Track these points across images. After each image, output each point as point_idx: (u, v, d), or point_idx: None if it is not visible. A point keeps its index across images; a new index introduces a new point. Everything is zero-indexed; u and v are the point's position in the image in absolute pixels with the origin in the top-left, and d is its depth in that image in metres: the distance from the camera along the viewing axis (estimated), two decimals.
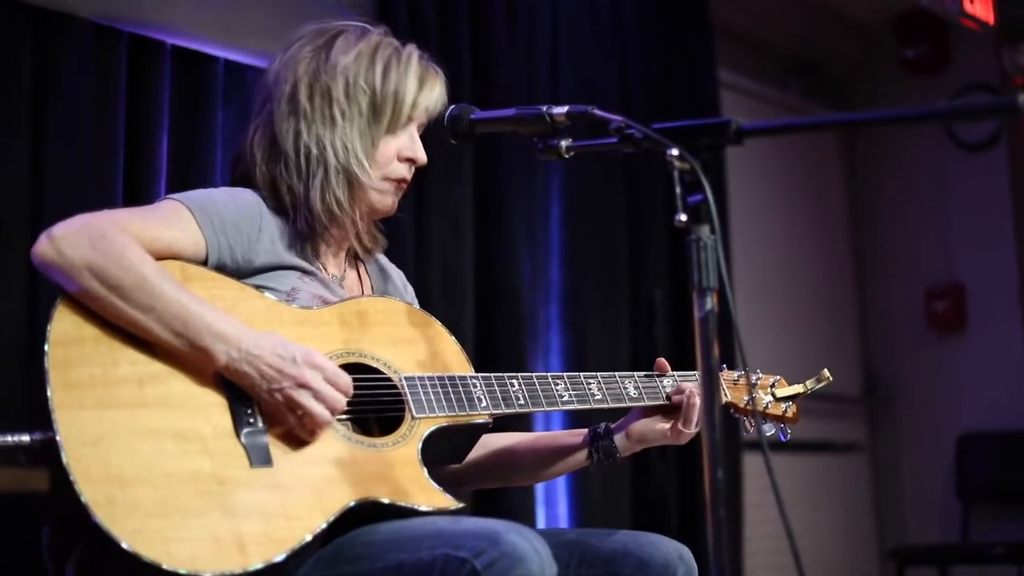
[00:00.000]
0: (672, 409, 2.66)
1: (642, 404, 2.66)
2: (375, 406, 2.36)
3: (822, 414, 7.07)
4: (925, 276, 7.68)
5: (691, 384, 2.65)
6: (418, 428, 2.34)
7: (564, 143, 2.26)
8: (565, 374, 2.58)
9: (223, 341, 2.15)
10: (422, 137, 2.60)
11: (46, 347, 2.08)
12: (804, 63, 7.78)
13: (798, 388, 2.86)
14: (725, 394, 2.77)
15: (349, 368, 2.30)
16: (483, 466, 2.71)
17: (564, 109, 2.26)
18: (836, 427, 7.52)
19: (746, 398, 2.78)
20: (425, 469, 2.30)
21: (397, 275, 2.80)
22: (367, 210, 2.54)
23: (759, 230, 7.07)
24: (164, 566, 1.95)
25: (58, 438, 2.00)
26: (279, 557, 2.05)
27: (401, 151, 2.54)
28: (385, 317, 2.46)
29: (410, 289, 2.82)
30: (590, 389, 2.59)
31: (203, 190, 2.44)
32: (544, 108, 2.28)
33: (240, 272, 2.36)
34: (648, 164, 5.50)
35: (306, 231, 2.48)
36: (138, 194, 3.90)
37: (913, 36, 7.60)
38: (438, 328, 2.52)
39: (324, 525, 2.13)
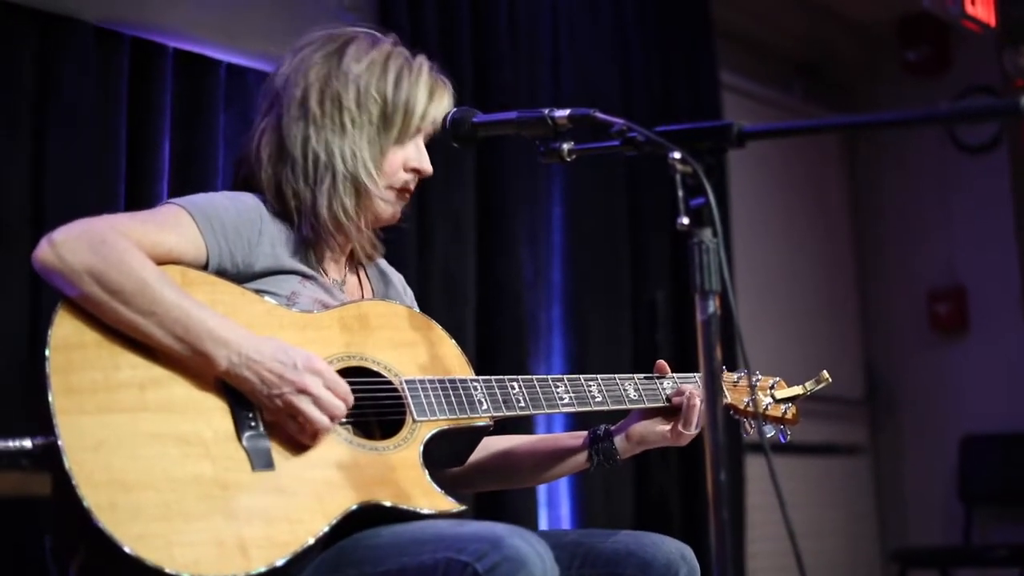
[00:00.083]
0: (672, 411, 2.66)
1: (642, 406, 2.66)
2: (376, 409, 2.36)
3: (824, 416, 7.07)
4: (927, 278, 7.69)
5: (691, 386, 2.65)
6: (419, 431, 2.34)
7: (566, 146, 2.25)
8: (565, 376, 2.58)
9: (224, 346, 2.15)
10: (426, 143, 2.60)
11: (47, 352, 2.08)
12: (806, 65, 7.78)
13: (797, 390, 2.86)
14: (725, 396, 2.77)
15: (350, 372, 2.30)
16: (484, 468, 2.72)
17: (566, 112, 2.26)
18: (838, 429, 7.53)
19: (746, 399, 2.78)
20: (427, 472, 2.30)
21: (397, 278, 2.80)
22: (372, 218, 2.54)
23: (760, 232, 7.07)
24: (167, 570, 1.95)
25: (60, 443, 2.00)
26: (281, 561, 2.05)
27: (407, 161, 2.54)
28: (386, 321, 2.46)
29: (410, 292, 2.82)
30: (590, 391, 2.59)
31: (204, 194, 2.44)
32: (546, 111, 2.28)
33: (240, 276, 2.36)
34: (650, 166, 5.50)
35: (311, 237, 2.48)
36: (139, 197, 3.90)
37: (914, 38, 7.60)
38: (438, 331, 2.52)
39: (326, 528, 2.13)
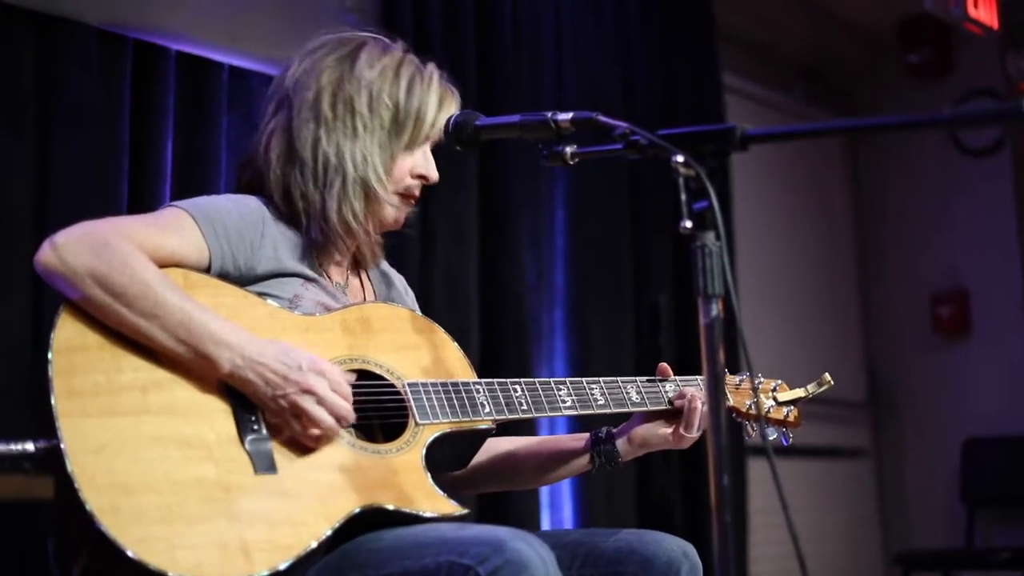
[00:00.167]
0: (674, 414, 2.67)
1: (644, 409, 2.66)
2: (379, 412, 2.36)
3: (827, 419, 7.07)
4: (929, 281, 7.68)
5: (693, 389, 2.66)
6: (422, 434, 2.34)
7: (569, 149, 2.25)
8: (568, 379, 2.58)
9: (227, 348, 2.15)
10: (432, 150, 2.61)
11: (49, 355, 2.08)
12: (808, 68, 7.78)
13: (799, 392, 2.86)
14: (728, 399, 2.77)
15: (353, 375, 2.30)
16: (486, 470, 2.72)
17: (569, 115, 2.26)
18: (841, 432, 7.52)
19: (749, 402, 2.78)
20: (429, 475, 2.30)
21: (399, 280, 2.80)
22: (377, 222, 2.55)
23: (763, 234, 7.07)
24: (169, 573, 1.95)
25: (62, 446, 2.00)
26: (284, 564, 2.05)
27: (415, 168, 2.55)
28: (388, 323, 2.46)
29: (411, 294, 2.82)
30: (592, 394, 2.59)
31: (206, 197, 2.44)
32: (549, 114, 2.28)
33: (243, 279, 2.36)
34: (652, 169, 5.50)
35: (320, 239, 2.48)
36: (142, 200, 3.90)
37: (917, 41, 7.60)
38: (441, 334, 2.52)
39: (329, 532, 2.13)
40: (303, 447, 2.21)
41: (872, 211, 8.06)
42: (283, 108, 2.51)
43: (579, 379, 2.60)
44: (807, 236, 7.58)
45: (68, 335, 2.12)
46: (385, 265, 2.76)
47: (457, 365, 2.49)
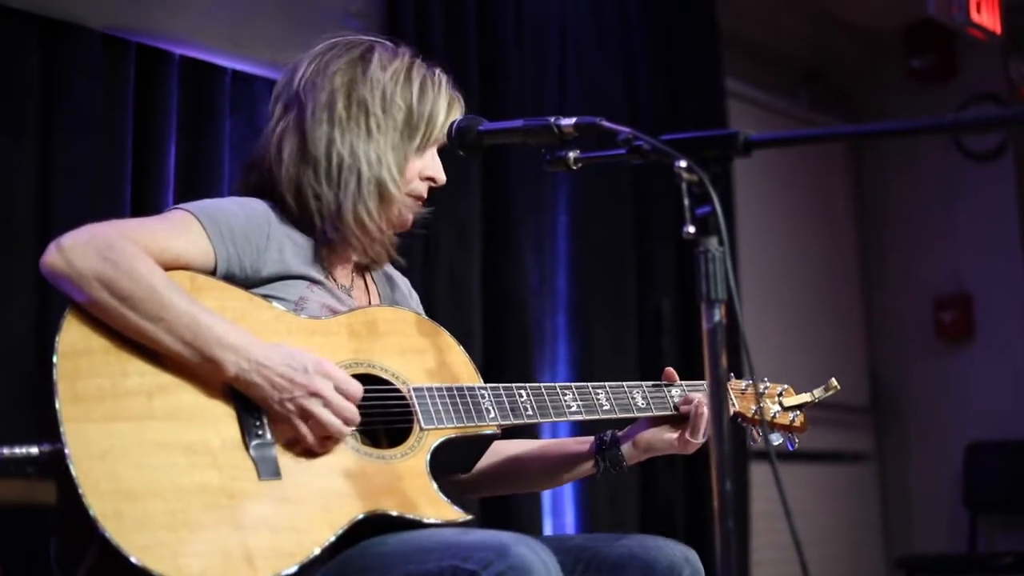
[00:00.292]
0: (680, 419, 2.67)
1: (650, 414, 2.66)
2: (384, 417, 2.36)
3: (829, 423, 7.07)
4: (932, 286, 7.68)
5: (699, 394, 2.65)
6: (426, 439, 2.34)
7: (572, 154, 2.25)
8: (573, 384, 2.58)
9: (233, 352, 2.15)
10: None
11: (54, 358, 2.08)
12: (811, 72, 7.78)
13: (805, 397, 2.85)
14: (733, 404, 2.77)
15: (359, 379, 2.30)
16: (490, 474, 2.72)
17: (572, 120, 2.26)
18: (843, 436, 7.52)
19: (754, 408, 2.78)
20: (433, 481, 2.30)
21: (403, 282, 2.81)
22: (389, 222, 2.55)
23: (766, 239, 7.07)
24: None
25: (66, 451, 2.00)
26: (287, 571, 2.05)
27: (424, 170, 2.56)
28: (394, 327, 2.46)
29: (415, 295, 2.83)
30: (598, 399, 2.59)
31: (212, 199, 2.44)
32: (552, 119, 2.28)
33: (249, 282, 2.36)
34: (655, 174, 5.50)
35: (336, 239, 2.49)
36: (145, 204, 3.91)
37: (920, 46, 7.59)
38: (446, 338, 2.52)
39: (332, 538, 2.12)
40: (308, 452, 2.21)
41: (875, 215, 8.05)
42: (293, 109, 2.52)
43: (585, 384, 2.60)
44: (810, 240, 7.58)
45: (73, 339, 2.12)
46: (389, 267, 2.76)
47: (463, 369, 2.49)
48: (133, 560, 1.94)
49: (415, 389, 2.37)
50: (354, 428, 2.26)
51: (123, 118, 3.94)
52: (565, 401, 2.55)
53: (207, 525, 2.03)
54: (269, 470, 2.15)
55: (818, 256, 7.64)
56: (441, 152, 2.61)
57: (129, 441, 2.05)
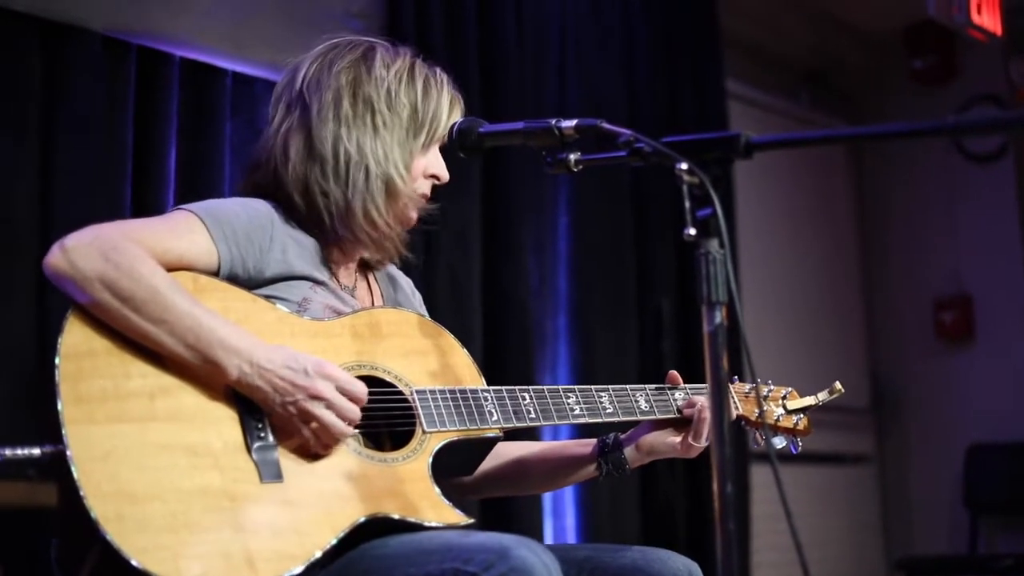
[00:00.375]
0: (683, 422, 2.66)
1: (653, 418, 2.65)
2: (386, 419, 2.36)
3: (830, 425, 7.05)
4: (933, 287, 7.68)
5: (702, 398, 2.64)
6: (429, 442, 2.33)
7: (573, 156, 2.26)
8: (576, 387, 2.57)
9: (235, 355, 2.15)
10: None
11: (57, 360, 2.07)
12: (812, 73, 7.78)
13: (809, 400, 2.85)
14: (737, 407, 2.77)
15: (361, 381, 2.29)
16: (493, 476, 2.71)
17: (573, 123, 2.26)
18: (844, 438, 7.52)
19: (757, 411, 2.77)
20: (435, 485, 2.30)
21: (405, 282, 2.81)
22: (396, 219, 2.55)
23: (766, 240, 7.07)
24: None
25: (68, 452, 1.99)
26: (289, 573, 2.04)
27: (428, 168, 2.57)
28: (397, 328, 2.46)
29: (418, 295, 2.83)
30: (601, 403, 2.58)
31: (215, 200, 2.44)
32: (552, 121, 2.29)
33: (252, 282, 2.36)
34: (655, 175, 5.50)
35: (347, 237, 2.49)
36: (146, 205, 3.91)
37: (921, 47, 7.60)
38: (449, 339, 2.52)
39: (334, 541, 2.12)
40: (310, 454, 2.21)
41: (876, 217, 8.05)
42: (297, 109, 2.52)
43: (588, 387, 2.59)
44: (811, 242, 7.58)
45: (76, 340, 2.12)
46: (391, 267, 2.76)
47: (465, 371, 2.49)
48: (134, 563, 1.93)
49: (418, 391, 2.37)
50: (356, 430, 2.26)
51: (124, 120, 3.94)
52: (568, 404, 2.54)
53: (208, 527, 2.03)
54: (271, 473, 2.14)
55: (819, 257, 7.64)
56: (442, 151, 2.61)
57: (131, 443, 2.05)
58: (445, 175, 2.61)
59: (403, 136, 2.52)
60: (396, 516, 2.20)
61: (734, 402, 2.76)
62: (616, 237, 5.70)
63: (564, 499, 5.24)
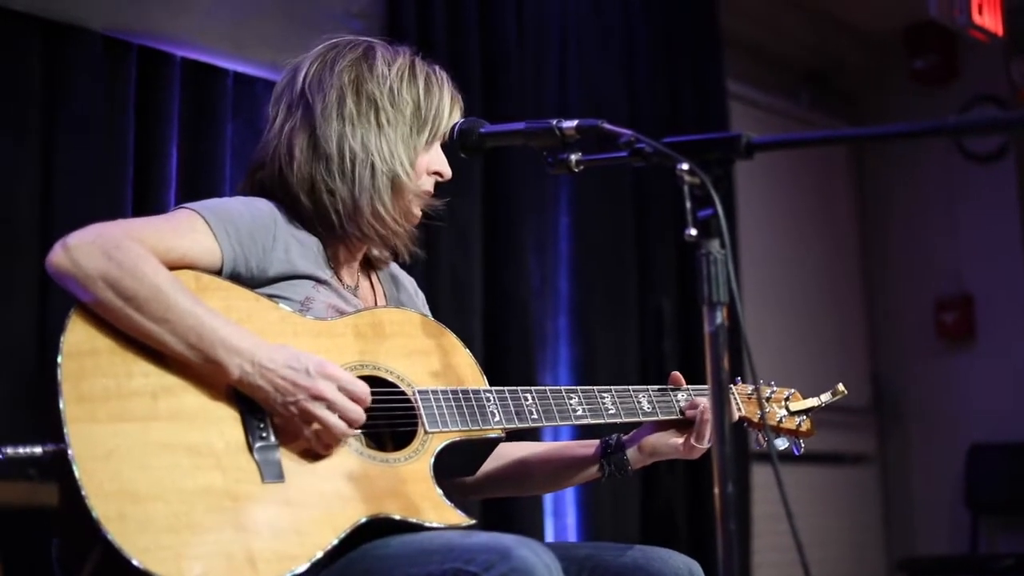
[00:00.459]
0: (685, 423, 2.66)
1: (656, 419, 2.65)
2: (388, 419, 2.36)
3: (831, 425, 7.05)
4: (934, 287, 7.68)
5: (704, 399, 2.64)
6: (431, 443, 2.33)
7: (574, 157, 2.26)
8: (579, 388, 2.57)
9: (237, 354, 2.15)
10: None
11: (59, 358, 2.07)
12: (813, 74, 7.78)
13: (812, 402, 2.84)
14: (739, 408, 2.76)
15: (364, 381, 2.29)
16: (494, 477, 2.71)
17: (574, 123, 2.26)
18: (845, 438, 7.52)
19: (759, 412, 2.77)
20: (437, 485, 2.29)
21: (408, 281, 2.81)
22: (402, 216, 2.55)
23: (767, 241, 7.07)
24: None
25: (70, 451, 1.99)
26: (290, 573, 2.04)
27: (430, 165, 2.57)
28: (399, 328, 2.46)
29: (421, 295, 2.83)
30: (604, 404, 2.58)
31: (217, 199, 2.44)
32: (554, 122, 2.29)
33: (254, 281, 2.36)
34: (656, 175, 5.50)
35: (355, 234, 2.49)
36: (147, 205, 3.91)
37: (922, 47, 7.60)
38: (452, 339, 2.51)
39: (335, 542, 2.12)
40: (312, 454, 2.21)
41: (877, 217, 8.05)
42: (299, 109, 2.52)
43: (590, 388, 2.59)
44: (811, 242, 7.58)
45: (78, 339, 2.11)
46: (394, 266, 2.76)
47: (468, 372, 2.48)
48: (135, 563, 1.93)
49: (420, 392, 2.37)
50: (358, 430, 2.26)
51: (124, 120, 3.94)
52: (571, 405, 2.54)
53: (210, 528, 2.03)
54: (272, 473, 2.14)
55: (819, 258, 7.64)
56: (443, 149, 2.61)
57: (133, 442, 2.05)
58: (448, 171, 2.61)
59: (407, 133, 2.52)
60: (397, 516, 2.20)
61: (736, 403, 2.76)
62: (617, 237, 5.70)
63: (565, 499, 5.24)
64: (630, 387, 2.63)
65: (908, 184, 7.87)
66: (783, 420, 2.82)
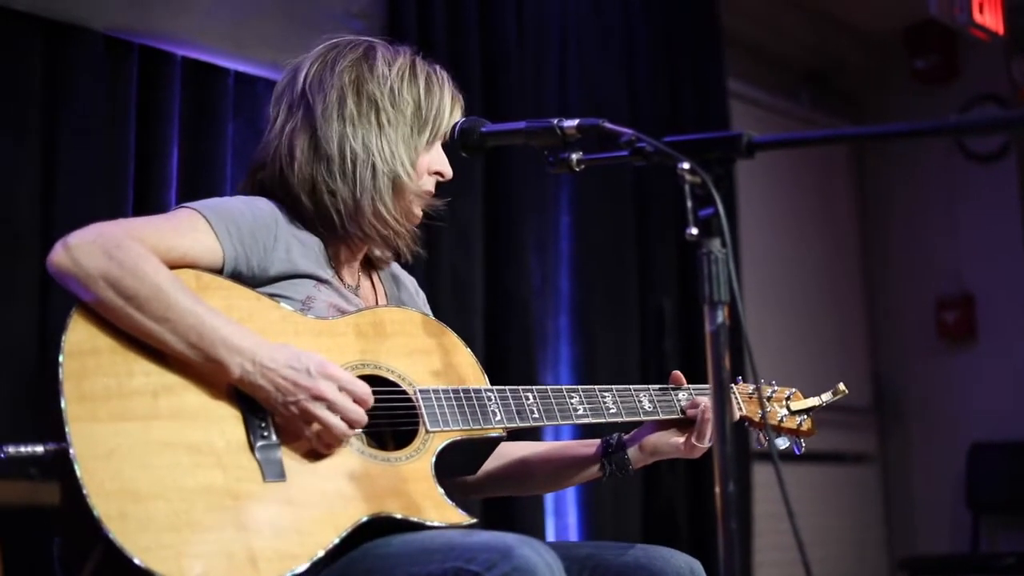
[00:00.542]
0: (686, 423, 2.66)
1: (656, 418, 2.65)
2: (389, 418, 2.36)
3: (832, 425, 7.05)
4: (935, 286, 7.68)
5: (705, 398, 2.64)
6: (432, 442, 2.33)
7: (575, 156, 2.26)
8: (580, 387, 2.57)
9: (238, 353, 2.15)
10: None
11: (60, 358, 2.07)
12: (814, 73, 7.78)
13: (813, 401, 2.85)
14: (740, 407, 2.76)
15: (365, 380, 2.29)
16: (496, 476, 2.71)
17: (575, 122, 2.26)
18: (846, 437, 7.52)
19: (760, 412, 2.77)
20: (438, 484, 2.30)
21: (409, 281, 2.81)
22: (403, 216, 2.55)
23: (768, 240, 7.07)
24: None
25: (71, 450, 1.99)
26: (292, 572, 2.04)
27: (431, 164, 2.57)
28: (401, 328, 2.46)
29: (421, 294, 2.83)
30: (605, 403, 2.58)
31: (218, 198, 2.44)
32: (555, 121, 2.29)
33: (256, 281, 2.36)
34: (657, 174, 5.50)
35: (357, 235, 2.50)
36: (148, 205, 3.91)
37: (922, 46, 7.60)
38: (453, 338, 2.51)
39: (336, 541, 2.12)
40: (313, 453, 2.21)
41: (877, 216, 8.05)
42: (300, 109, 2.52)
43: (591, 387, 2.59)
44: (812, 241, 7.58)
45: (79, 338, 2.12)
46: (395, 266, 2.76)
47: (469, 370, 2.48)
48: (136, 561, 1.93)
49: (421, 391, 2.37)
50: (359, 430, 2.26)
51: (125, 119, 3.94)
52: (572, 404, 2.54)
53: (211, 526, 2.03)
54: (274, 472, 2.14)
55: (820, 257, 7.64)
56: (443, 149, 2.61)
57: (134, 441, 2.05)
58: (449, 171, 2.61)
59: (407, 133, 2.52)
60: (399, 515, 2.20)
61: (737, 403, 2.76)
62: (618, 237, 5.70)
63: (566, 498, 5.24)
64: (631, 386, 2.63)
65: (909, 184, 7.86)
66: (784, 419, 2.82)
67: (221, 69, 4.25)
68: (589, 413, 2.56)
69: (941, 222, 7.67)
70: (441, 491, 2.29)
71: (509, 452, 2.72)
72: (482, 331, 4.88)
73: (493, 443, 2.47)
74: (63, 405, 2.03)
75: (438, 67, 2.61)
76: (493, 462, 2.63)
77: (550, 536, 5.07)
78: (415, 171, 2.53)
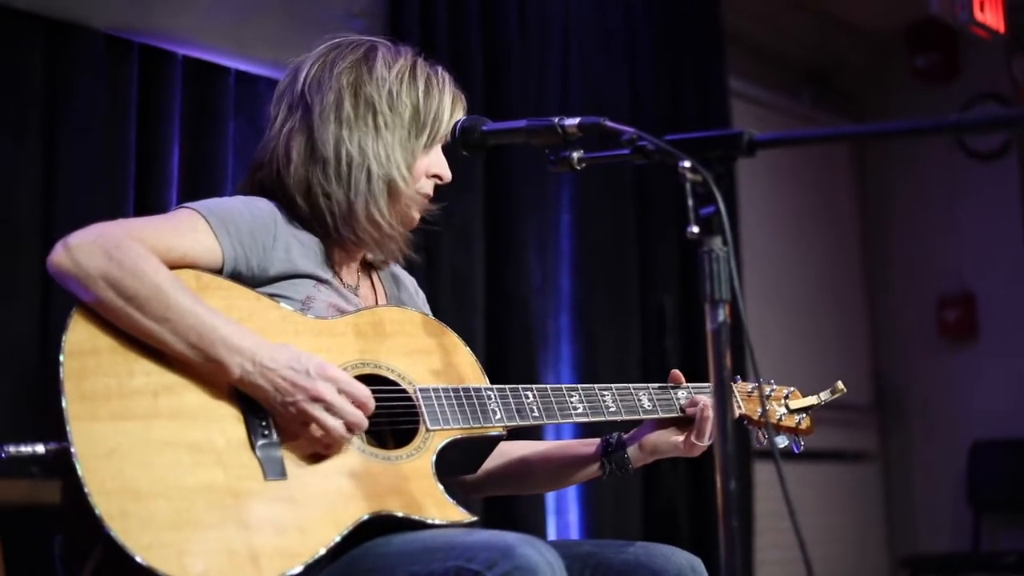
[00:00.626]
0: (686, 421, 2.66)
1: (656, 417, 2.65)
2: (390, 418, 2.36)
3: (833, 423, 7.06)
4: (936, 285, 7.68)
5: (705, 397, 2.64)
6: (432, 440, 2.34)
7: (576, 155, 2.25)
8: (580, 386, 2.57)
9: (238, 353, 2.15)
10: None
11: (61, 357, 2.07)
12: (815, 72, 7.78)
13: (812, 400, 2.85)
14: (739, 406, 2.76)
15: (365, 379, 2.29)
16: (496, 475, 2.71)
17: (576, 121, 2.26)
18: (847, 436, 7.52)
19: (760, 410, 2.77)
20: (439, 483, 2.30)
21: (409, 281, 2.80)
22: (399, 220, 2.55)
23: (769, 239, 7.07)
24: None
25: (73, 449, 2.00)
26: (293, 571, 2.04)
27: (430, 167, 2.57)
28: (400, 327, 2.46)
29: (421, 294, 2.82)
30: (604, 401, 2.58)
31: (218, 198, 2.44)
32: (556, 120, 2.28)
33: (255, 281, 2.36)
34: (658, 172, 5.50)
35: (350, 238, 2.49)
36: (149, 204, 3.91)
37: (923, 45, 7.60)
38: (453, 338, 2.52)
39: (337, 539, 2.12)
40: (313, 453, 2.21)
41: (878, 215, 8.05)
42: (298, 110, 2.52)
43: (591, 386, 2.59)
44: (813, 240, 7.58)
45: (80, 338, 2.12)
46: (395, 266, 2.76)
47: (468, 370, 2.49)
48: (138, 559, 1.94)
49: (421, 390, 2.37)
50: (358, 432, 2.26)
51: (126, 118, 3.94)
52: (571, 403, 2.54)
53: (212, 524, 2.03)
54: (275, 470, 2.15)
55: (821, 255, 7.64)
56: (444, 150, 2.61)
57: (135, 440, 2.05)
58: (447, 175, 2.61)
59: (405, 136, 2.51)
60: (400, 514, 2.20)
61: (737, 401, 2.76)
62: (619, 235, 5.70)
63: (567, 497, 5.24)
64: (631, 385, 2.63)
65: (910, 182, 7.86)
66: (783, 418, 2.82)
67: (222, 68, 4.25)
68: (588, 412, 2.56)
69: (942, 220, 7.67)
70: (442, 489, 2.29)
71: (509, 451, 2.72)
72: (482, 330, 4.88)
73: (493, 442, 2.47)
74: (64, 404, 2.04)
75: (440, 69, 2.60)
76: (493, 461, 2.63)
77: (551, 535, 5.08)
78: (411, 175, 2.53)
